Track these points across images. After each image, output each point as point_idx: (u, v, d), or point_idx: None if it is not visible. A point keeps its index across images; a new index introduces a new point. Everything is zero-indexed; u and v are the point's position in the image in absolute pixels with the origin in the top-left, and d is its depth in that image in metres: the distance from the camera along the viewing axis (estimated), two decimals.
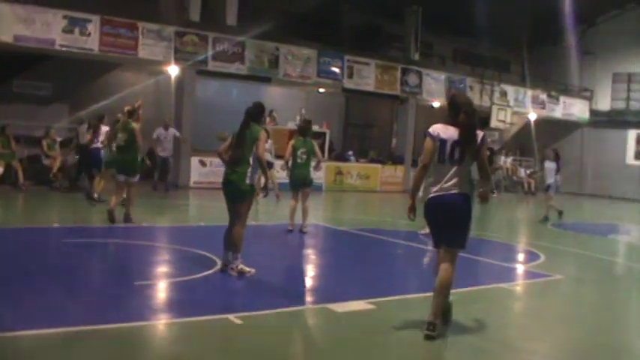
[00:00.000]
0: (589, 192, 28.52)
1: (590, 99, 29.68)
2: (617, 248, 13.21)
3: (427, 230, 10.71)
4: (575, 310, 7.15)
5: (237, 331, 5.33)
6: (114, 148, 10.93)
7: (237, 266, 7.16)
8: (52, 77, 18.26)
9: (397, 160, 23.80)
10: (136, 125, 10.53)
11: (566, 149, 29.42)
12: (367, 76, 22.32)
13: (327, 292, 7.06)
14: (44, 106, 18.17)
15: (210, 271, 7.31)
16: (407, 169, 23.03)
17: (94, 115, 14.96)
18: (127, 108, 10.73)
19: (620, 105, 29.12)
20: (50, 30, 15.91)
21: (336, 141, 24.88)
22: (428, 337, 5.28)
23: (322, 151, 20.96)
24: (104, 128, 13.89)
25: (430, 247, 10.27)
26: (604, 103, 29.44)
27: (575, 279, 9.00)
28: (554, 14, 24.44)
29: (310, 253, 9.96)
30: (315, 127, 19.59)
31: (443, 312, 5.60)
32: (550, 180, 15.77)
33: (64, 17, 16.10)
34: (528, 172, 27.35)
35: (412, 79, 23.61)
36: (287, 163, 10.96)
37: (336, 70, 21.49)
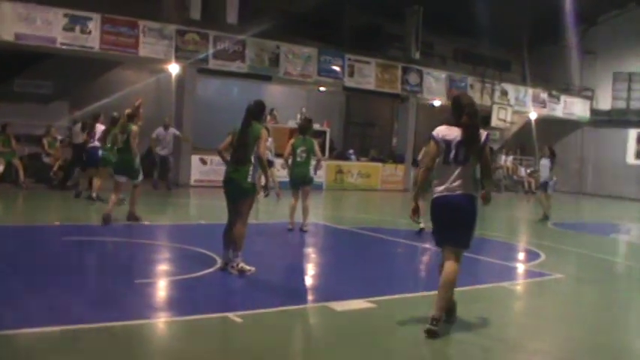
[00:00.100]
0: (589, 191, 28.52)
1: (590, 98, 29.66)
2: (617, 248, 13.22)
3: (422, 225, 10.93)
4: (576, 310, 7.15)
5: (237, 329, 5.34)
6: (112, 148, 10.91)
7: (237, 264, 7.16)
8: (53, 76, 18.25)
9: (398, 159, 23.79)
10: (135, 128, 10.49)
11: (567, 148, 29.50)
12: (368, 75, 22.31)
13: (327, 290, 7.06)
14: (45, 105, 18.16)
15: (210, 270, 7.31)
16: (407, 167, 23.00)
17: (89, 115, 14.97)
18: (127, 111, 10.69)
19: (621, 104, 29.08)
20: (51, 28, 15.91)
21: (336, 140, 24.88)
22: (429, 331, 5.28)
23: (323, 150, 21.00)
24: (100, 127, 13.90)
25: (428, 246, 10.30)
26: (605, 103, 29.41)
27: (576, 278, 9.01)
28: (555, 13, 24.40)
29: (310, 252, 9.96)
30: (316, 126, 19.59)
31: (447, 310, 5.63)
32: (545, 177, 15.73)
33: (65, 15, 16.10)
34: (529, 171, 27.35)
35: (413, 77, 23.59)
36: (287, 161, 10.96)
37: (337, 68, 21.48)
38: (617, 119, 28.72)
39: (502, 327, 6.04)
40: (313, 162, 10.86)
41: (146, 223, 10.74)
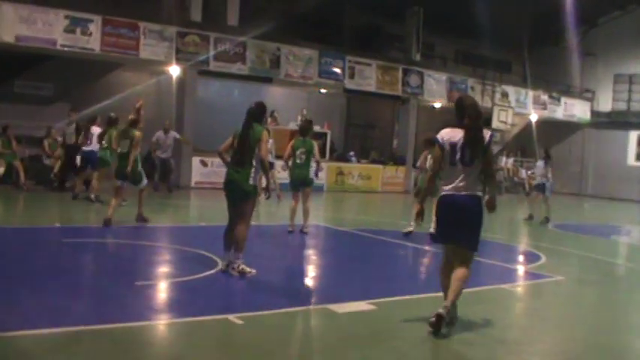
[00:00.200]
0: (590, 193, 28.52)
1: (591, 100, 29.67)
2: (617, 249, 13.21)
3: (410, 228, 10.95)
4: (576, 311, 7.14)
5: (237, 331, 5.33)
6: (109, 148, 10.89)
7: (238, 266, 7.16)
8: (54, 77, 18.26)
9: (398, 161, 23.80)
10: (138, 134, 10.46)
11: (568, 150, 29.54)
12: (368, 77, 22.31)
13: (328, 292, 7.06)
14: (45, 106, 18.16)
15: (210, 272, 7.30)
16: (408, 169, 23.01)
17: (87, 117, 14.99)
18: (130, 117, 10.65)
19: (622, 106, 29.10)
20: (52, 30, 15.92)
21: (337, 141, 24.89)
22: (438, 315, 5.36)
23: (323, 152, 21.05)
24: (96, 130, 13.91)
25: (429, 248, 10.31)
26: (605, 104, 29.42)
27: (576, 280, 8.99)
28: (556, 15, 24.42)
29: (311, 254, 9.95)
30: (317, 128, 19.59)
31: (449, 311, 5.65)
32: (540, 179, 15.61)
33: (66, 17, 16.12)
34: (529, 173, 27.33)
35: (413, 79, 23.60)
36: (287, 163, 10.96)
37: (338, 70, 21.49)
38: (617, 121, 28.72)
39: (503, 328, 6.04)
40: (313, 164, 10.86)
41: (147, 224, 10.73)
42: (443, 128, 5.76)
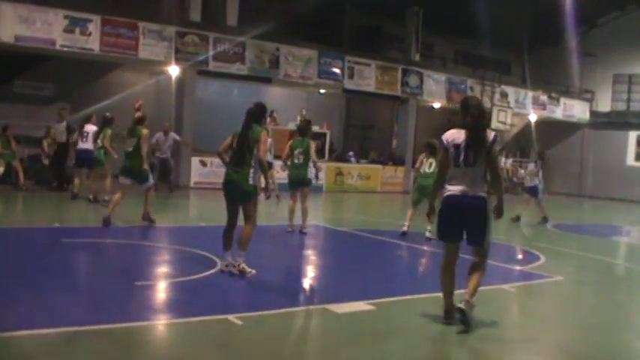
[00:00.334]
0: (589, 193, 28.51)
1: (590, 100, 29.67)
2: (617, 250, 13.20)
3: (405, 227, 11.03)
4: (576, 312, 7.14)
5: (237, 331, 5.33)
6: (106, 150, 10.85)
7: (239, 264, 7.16)
8: (53, 77, 18.26)
9: (398, 161, 23.80)
10: (145, 131, 10.44)
11: (567, 151, 29.55)
12: (368, 77, 22.32)
13: (327, 292, 7.06)
14: (45, 107, 18.17)
15: (210, 272, 7.30)
16: (407, 169, 23.02)
17: (83, 116, 15.02)
18: (137, 114, 10.60)
19: (621, 106, 29.10)
20: (51, 30, 15.92)
21: (336, 142, 24.89)
22: (460, 311, 5.47)
23: (323, 152, 21.05)
24: (91, 127, 13.89)
25: (428, 248, 10.31)
26: (604, 105, 29.43)
27: (576, 280, 9.00)
28: (555, 15, 24.42)
29: (310, 254, 9.95)
30: (316, 128, 19.59)
31: (447, 311, 5.70)
32: (532, 182, 15.45)
33: (65, 17, 16.11)
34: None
35: (413, 80, 23.60)
36: (285, 163, 10.95)
37: (337, 70, 21.49)
38: (617, 121, 28.72)
39: (502, 329, 6.03)
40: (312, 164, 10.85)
41: (148, 225, 10.70)
42: (442, 128, 5.78)
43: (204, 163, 18.73)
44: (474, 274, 5.71)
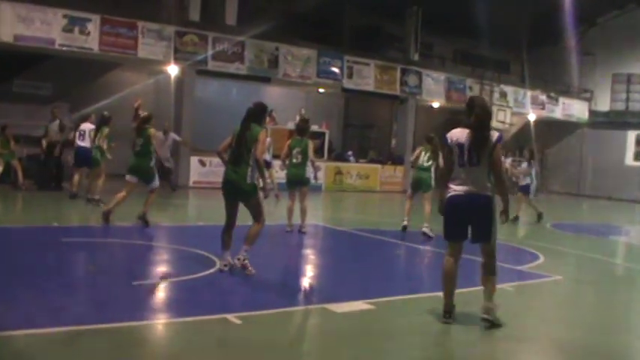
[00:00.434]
0: (588, 193, 28.52)
1: (589, 100, 29.69)
2: (616, 249, 13.21)
3: (405, 222, 11.14)
4: (574, 311, 7.15)
5: (236, 330, 5.33)
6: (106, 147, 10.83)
7: (243, 259, 7.14)
8: (52, 77, 18.25)
9: (397, 161, 23.80)
10: (153, 131, 10.41)
11: (566, 150, 29.56)
12: (367, 76, 22.33)
13: (326, 292, 7.05)
14: (44, 106, 18.15)
15: (209, 271, 7.30)
16: (406, 169, 23.01)
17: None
18: (144, 114, 10.56)
19: (620, 106, 29.10)
20: (50, 29, 15.92)
21: (335, 141, 24.90)
22: (486, 320, 5.60)
23: (322, 152, 21.06)
24: (88, 126, 13.89)
25: (428, 247, 10.32)
26: (603, 104, 29.43)
27: (574, 280, 9.01)
28: (554, 15, 24.43)
29: (309, 254, 9.95)
30: (315, 127, 19.61)
31: (446, 311, 5.71)
32: (525, 181, 15.43)
33: (64, 16, 16.12)
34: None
35: (412, 79, 23.61)
36: (284, 162, 10.95)
37: (336, 70, 21.50)
38: (616, 121, 28.73)
39: (501, 328, 6.02)
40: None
41: (145, 227, 10.68)
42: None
43: (203, 163, 18.73)
44: (487, 281, 5.73)
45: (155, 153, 10.70)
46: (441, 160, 11.14)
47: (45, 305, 5.68)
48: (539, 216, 15.24)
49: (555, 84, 28.84)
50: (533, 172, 15.65)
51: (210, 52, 18.63)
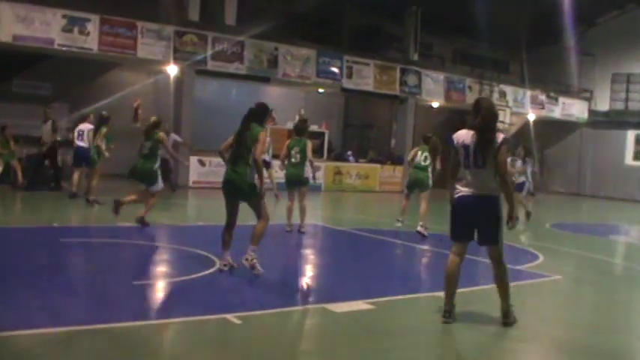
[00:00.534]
0: (588, 193, 28.54)
1: (589, 99, 29.70)
2: (615, 249, 13.22)
3: (399, 224, 11.25)
4: (574, 311, 7.15)
5: (235, 330, 5.32)
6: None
7: (252, 259, 7.11)
8: (52, 77, 18.25)
9: (396, 161, 23.79)
10: (162, 135, 10.36)
11: (565, 150, 29.57)
12: (366, 76, 22.33)
13: (326, 292, 7.05)
14: (43, 106, 18.13)
15: (208, 271, 7.30)
16: (406, 169, 23.00)
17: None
18: (153, 118, 10.49)
19: (619, 106, 29.11)
20: (49, 29, 15.92)
21: (335, 141, 24.90)
22: (505, 324, 5.74)
23: (321, 152, 21.05)
24: (87, 126, 13.88)
25: (427, 247, 10.32)
26: (603, 104, 29.44)
27: (574, 279, 9.01)
28: (554, 15, 24.43)
29: (309, 253, 9.95)
30: (314, 127, 19.61)
31: (446, 311, 5.70)
32: (518, 178, 15.40)
33: (64, 16, 16.12)
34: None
35: (411, 79, 23.61)
36: (283, 162, 10.95)
37: (336, 70, 21.50)
38: (615, 120, 28.74)
39: (501, 327, 6.03)
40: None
41: (143, 227, 10.67)
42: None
43: (202, 163, 18.72)
44: (500, 286, 5.80)
45: (165, 154, 10.70)
46: (438, 163, 11.17)
47: (44, 305, 5.68)
48: (527, 215, 15.18)
49: (555, 84, 28.84)
50: (529, 171, 15.60)
51: (209, 52, 18.64)
